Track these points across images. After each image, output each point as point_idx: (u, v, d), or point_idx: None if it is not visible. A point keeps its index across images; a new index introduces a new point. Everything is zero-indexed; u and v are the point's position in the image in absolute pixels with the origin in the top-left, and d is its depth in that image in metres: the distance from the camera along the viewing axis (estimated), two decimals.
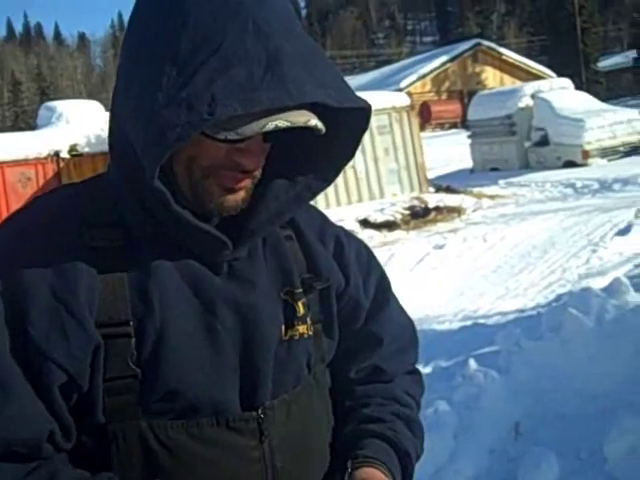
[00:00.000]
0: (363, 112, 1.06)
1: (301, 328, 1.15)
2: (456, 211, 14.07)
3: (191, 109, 0.92)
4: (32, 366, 0.97)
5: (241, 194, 1.06)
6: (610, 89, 41.19)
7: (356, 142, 1.11)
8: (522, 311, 6.65)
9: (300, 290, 1.17)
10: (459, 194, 15.40)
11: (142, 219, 1.06)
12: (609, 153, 18.59)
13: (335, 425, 1.25)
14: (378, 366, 1.30)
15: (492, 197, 15.44)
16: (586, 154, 18.24)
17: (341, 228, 1.33)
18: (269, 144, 1.05)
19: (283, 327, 1.14)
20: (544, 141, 19.38)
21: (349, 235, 1.33)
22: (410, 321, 1.38)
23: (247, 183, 1.05)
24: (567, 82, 21.74)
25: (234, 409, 1.07)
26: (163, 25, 0.99)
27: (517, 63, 44.52)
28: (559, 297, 6.38)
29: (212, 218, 1.07)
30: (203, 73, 0.94)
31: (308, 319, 1.17)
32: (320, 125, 1.02)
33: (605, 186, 14.39)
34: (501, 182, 17.33)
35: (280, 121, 0.97)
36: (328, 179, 1.14)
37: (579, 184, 15.09)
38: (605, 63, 46.15)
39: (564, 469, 3.51)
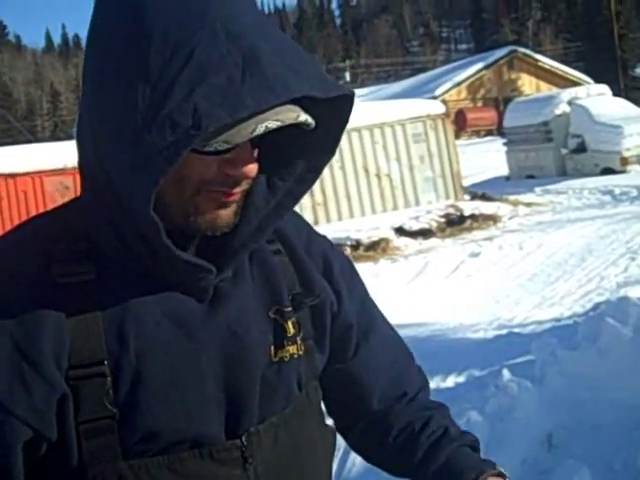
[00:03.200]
0: (345, 103, 1.00)
1: (291, 349, 1.11)
2: (492, 219, 13.94)
3: (175, 127, 0.86)
4: None
5: (233, 208, 1.00)
6: None
7: (336, 137, 1.04)
8: (558, 320, 6.56)
9: (289, 309, 1.12)
10: (495, 202, 15.27)
11: (116, 249, 1.00)
12: None
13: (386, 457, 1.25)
14: (396, 393, 1.28)
15: (528, 205, 15.28)
16: (624, 161, 17.98)
17: (326, 240, 1.27)
18: (256, 148, 0.98)
19: (272, 348, 1.09)
20: (581, 148, 19.14)
21: (334, 248, 1.27)
22: (395, 331, 1.33)
23: (239, 196, 1.00)
24: (604, 88, 21.48)
25: (217, 439, 1.03)
26: (127, 40, 0.91)
27: (553, 70, 44.16)
28: (596, 306, 6.27)
29: (194, 238, 1.01)
30: (179, 86, 0.87)
31: (298, 338, 1.12)
32: (310, 119, 0.97)
33: None
34: (537, 189, 17.14)
35: (270, 122, 0.91)
36: (309, 181, 1.07)
37: (617, 191, 14.89)
38: None
39: None
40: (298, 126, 0.97)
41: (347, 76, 43.84)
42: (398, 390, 1.28)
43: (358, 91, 23.15)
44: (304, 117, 0.95)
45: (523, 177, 20.31)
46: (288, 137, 1.01)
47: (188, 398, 1.00)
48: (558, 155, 19.73)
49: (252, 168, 0.97)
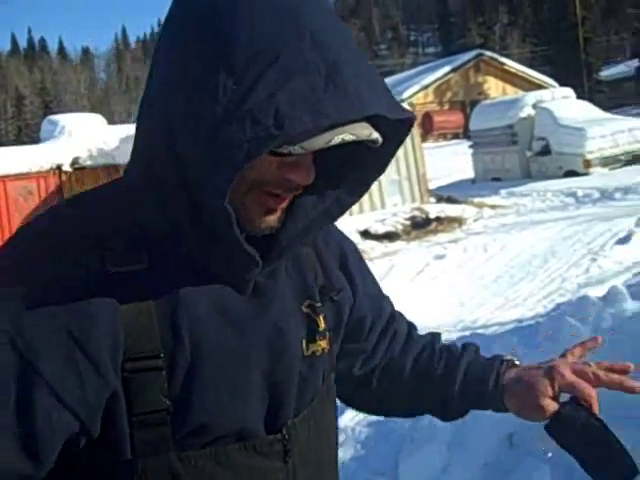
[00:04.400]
0: (404, 124, 1.01)
1: (322, 343, 1.14)
2: (457, 221, 14.07)
3: (256, 124, 0.86)
4: (40, 408, 0.90)
5: (278, 214, 1.01)
6: (612, 98, 41.15)
7: (391, 155, 1.06)
8: (520, 321, 6.63)
9: (319, 303, 1.15)
10: (460, 204, 15.41)
11: (165, 236, 0.99)
12: (611, 162, 18.56)
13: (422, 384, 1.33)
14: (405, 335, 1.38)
15: (493, 207, 15.43)
16: (587, 163, 18.22)
17: (338, 230, 1.30)
18: (313, 157, 0.99)
19: (304, 342, 1.11)
20: (546, 150, 19.37)
21: (346, 239, 1.31)
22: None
23: (286, 203, 1.01)
24: (569, 91, 21.75)
25: (258, 433, 1.05)
26: (214, 34, 0.91)
27: (519, 73, 44.58)
28: (557, 306, 6.36)
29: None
30: (263, 85, 0.87)
31: (327, 333, 1.15)
32: (380, 138, 0.98)
33: (606, 195, 14.38)
34: (502, 192, 17.31)
35: (346, 134, 0.93)
36: (358, 193, 1.09)
37: (580, 193, 15.08)
38: (608, 72, 46.22)
39: (556, 479, 3.50)
40: (360, 142, 0.98)
41: None
42: (393, 328, 1.36)
43: None
44: (375, 135, 0.97)
45: (489, 180, 20.50)
46: (344, 149, 1.02)
47: (236, 393, 1.02)
48: (523, 158, 19.95)
49: (310, 175, 0.98)
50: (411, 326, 1.40)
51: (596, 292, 5.80)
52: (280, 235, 1.04)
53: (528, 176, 19.51)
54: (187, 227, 0.98)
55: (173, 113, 0.93)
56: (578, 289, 7.59)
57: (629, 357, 4.25)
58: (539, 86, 36.73)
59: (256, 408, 1.05)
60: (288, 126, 0.86)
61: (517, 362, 1.32)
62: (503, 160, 20.49)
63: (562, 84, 29.95)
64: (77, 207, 1.04)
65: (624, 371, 1.25)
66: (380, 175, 1.08)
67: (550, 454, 3.58)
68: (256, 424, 1.05)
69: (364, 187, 1.09)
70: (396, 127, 1.01)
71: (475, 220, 14.13)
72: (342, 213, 1.09)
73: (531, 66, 48.66)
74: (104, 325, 0.93)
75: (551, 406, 1.22)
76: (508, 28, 79.43)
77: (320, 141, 0.91)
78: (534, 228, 12.00)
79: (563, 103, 20.29)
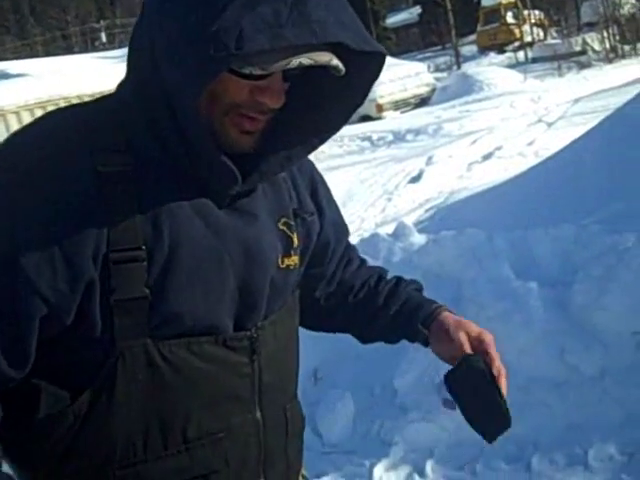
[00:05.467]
0: (376, 58, 1.08)
1: (295, 259, 1.25)
2: None
3: (219, 44, 0.94)
4: (15, 292, 0.98)
5: (255, 136, 1.09)
6: (399, 44, 42.75)
7: (367, 88, 1.14)
8: None
9: (293, 222, 1.25)
10: None
11: (152, 146, 1.07)
12: (401, 105, 19.41)
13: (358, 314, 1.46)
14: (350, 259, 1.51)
15: None
16: (380, 107, 18.90)
17: (310, 162, 1.37)
18: (287, 84, 1.08)
19: (280, 256, 1.21)
20: None
21: (315, 168, 1.40)
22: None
23: (262, 125, 1.09)
24: None
25: (229, 330, 1.13)
26: None
27: None
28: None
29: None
30: (232, 8, 0.95)
31: (299, 250, 1.26)
32: (341, 66, 1.05)
33: (399, 137, 14.97)
34: None
35: (304, 58, 1.00)
36: (337, 126, 1.17)
37: (375, 137, 15.59)
38: (393, 20, 47.79)
39: (359, 406, 3.70)
40: (328, 73, 1.07)
41: (103, 37, 42.31)
42: (347, 256, 1.49)
43: (116, 52, 22.42)
44: (336, 62, 1.04)
45: None
46: (320, 85, 1.12)
47: (209, 290, 1.11)
48: None
49: (280, 98, 1.07)
50: (363, 259, 1.54)
51: (387, 229, 6.10)
52: (261, 160, 1.14)
53: None
54: (175, 144, 1.06)
55: (155, 35, 1.03)
56: (375, 228, 7.92)
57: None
58: None
59: (229, 307, 1.14)
60: (247, 48, 0.94)
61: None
62: None
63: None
64: (69, 117, 1.11)
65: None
66: (357, 109, 1.16)
67: (350, 385, 3.77)
68: (227, 322, 1.14)
69: (343, 120, 1.17)
70: (370, 61, 1.09)
71: None
72: (320, 144, 1.18)
73: None
74: (87, 221, 1.01)
75: (464, 344, 1.34)
76: None
77: (279, 63, 0.99)
78: (333, 173, 12.31)
79: None
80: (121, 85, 1.13)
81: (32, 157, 1.03)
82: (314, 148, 1.18)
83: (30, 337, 1.01)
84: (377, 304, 1.46)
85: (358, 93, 1.15)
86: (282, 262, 1.22)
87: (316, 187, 1.36)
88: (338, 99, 1.15)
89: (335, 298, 1.47)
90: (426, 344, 1.41)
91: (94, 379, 1.05)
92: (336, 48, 1.03)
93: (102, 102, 1.14)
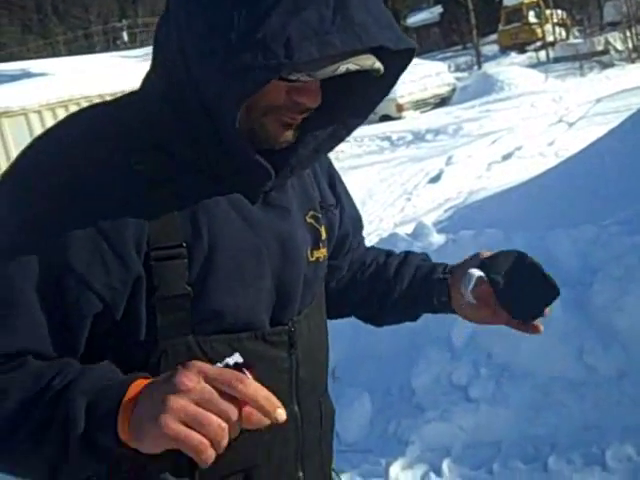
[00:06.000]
0: (407, 53, 1.08)
1: (323, 251, 1.26)
2: None
3: (268, 52, 0.93)
4: (68, 292, 0.99)
5: (292, 130, 1.09)
6: (420, 44, 42.61)
7: (394, 81, 1.14)
8: None
9: (321, 215, 1.27)
10: None
11: (185, 145, 1.07)
12: (421, 105, 19.34)
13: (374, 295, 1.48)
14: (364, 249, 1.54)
15: None
16: (400, 107, 18.86)
17: (327, 157, 1.38)
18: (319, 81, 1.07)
19: (310, 249, 1.22)
20: None
21: (332, 164, 1.41)
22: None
23: (300, 120, 1.09)
24: None
25: (262, 325, 1.14)
26: None
27: None
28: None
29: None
30: (275, 15, 0.93)
31: (326, 242, 1.28)
32: (382, 68, 1.06)
33: (419, 137, 14.95)
34: None
35: (350, 64, 1.00)
36: (363, 115, 1.17)
37: (395, 137, 15.58)
38: (414, 19, 47.66)
39: (376, 405, 3.71)
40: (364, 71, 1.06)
41: (125, 36, 42.57)
42: (357, 240, 1.51)
43: (137, 51, 22.50)
44: (378, 65, 1.05)
45: None
46: (348, 80, 1.10)
47: (248, 285, 1.11)
48: None
49: (317, 98, 1.07)
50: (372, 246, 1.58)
51: (406, 229, 6.10)
52: (290, 155, 1.13)
53: None
54: (209, 144, 1.05)
55: (184, 36, 1.00)
56: (394, 228, 7.92)
57: None
58: None
59: (265, 303, 1.14)
60: (297, 57, 0.93)
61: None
62: None
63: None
64: (102, 116, 1.10)
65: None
66: (382, 100, 1.16)
67: (368, 384, 3.78)
68: (264, 317, 1.15)
69: (369, 110, 1.17)
70: (397, 56, 1.08)
71: None
72: (348, 135, 1.18)
73: None
74: (130, 218, 1.01)
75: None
76: None
77: (327, 70, 0.99)
78: (353, 173, 12.32)
79: None
80: (147, 80, 1.12)
81: (73, 158, 1.03)
82: (341, 140, 1.18)
83: (80, 329, 1.03)
84: (388, 276, 1.47)
85: (385, 85, 1.14)
86: (312, 255, 1.23)
87: (334, 181, 1.38)
88: (365, 91, 1.15)
89: (346, 278, 1.49)
90: (446, 307, 1.42)
91: None
92: (375, 49, 1.03)
93: (129, 100, 1.13)
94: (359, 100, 1.16)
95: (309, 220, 1.24)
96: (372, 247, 1.57)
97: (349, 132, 1.18)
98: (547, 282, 1.29)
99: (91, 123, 1.09)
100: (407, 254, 1.51)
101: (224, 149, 1.06)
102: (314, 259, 1.24)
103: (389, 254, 1.53)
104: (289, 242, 1.17)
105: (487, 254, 1.37)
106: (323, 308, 1.33)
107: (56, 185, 1.01)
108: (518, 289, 1.29)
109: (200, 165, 1.08)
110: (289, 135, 1.10)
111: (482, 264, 1.34)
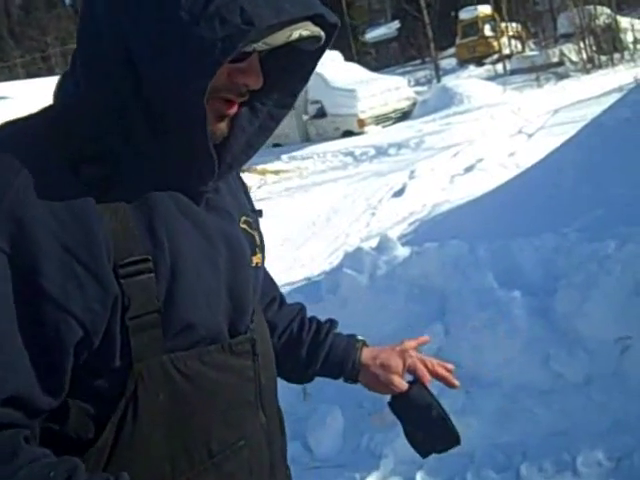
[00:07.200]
0: (332, 28, 1.07)
1: (259, 256, 1.23)
2: None
3: (225, 22, 0.91)
4: (47, 322, 0.92)
5: (226, 122, 1.06)
6: (378, 59, 43.00)
7: (313, 65, 1.12)
8: (308, 279, 6.85)
9: (252, 220, 1.23)
10: (242, 172, 15.47)
11: (124, 149, 1.00)
12: (382, 120, 19.47)
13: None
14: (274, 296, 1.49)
15: (276, 172, 15.71)
16: (361, 123, 18.98)
17: None
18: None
19: (248, 254, 1.18)
20: (321, 113, 19.94)
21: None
22: None
23: (235, 109, 1.05)
24: (336, 55, 22.42)
25: (225, 336, 1.11)
26: None
27: None
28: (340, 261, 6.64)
29: None
30: None
31: (260, 247, 1.25)
32: (323, 36, 1.05)
33: (381, 152, 15.05)
34: (284, 157, 17.61)
35: (303, 30, 0.99)
36: (287, 105, 1.16)
37: (358, 152, 15.66)
38: (372, 35, 48.05)
39: (348, 420, 3.71)
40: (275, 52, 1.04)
41: None
42: (272, 293, 1.48)
43: None
44: (322, 33, 1.04)
45: (270, 146, 20.75)
46: (268, 67, 1.07)
47: (209, 294, 1.07)
48: (300, 122, 20.38)
49: (259, 78, 1.04)
50: (282, 295, 1.51)
51: (371, 243, 6.13)
52: (225, 152, 1.09)
53: (307, 139, 20.01)
54: (146, 137, 1.00)
55: (127, 26, 0.95)
56: (360, 243, 7.94)
57: (402, 298, 4.54)
58: None
59: (223, 312, 1.11)
60: (257, 22, 0.92)
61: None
62: (281, 125, 20.39)
63: (330, 48, 30.74)
64: (37, 127, 1.02)
65: (448, 369, 1.51)
66: (305, 85, 1.16)
67: (339, 399, 3.78)
68: (224, 327, 1.12)
69: (292, 99, 1.16)
70: (316, 42, 1.07)
71: (259, 187, 14.31)
72: (276, 126, 1.16)
73: None
74: (96, 235, 0.95)
75: (401, 385, 1.44)
76: None
77: (281, 37, 0.98)
78: (316, 189, 12.38)
79: (332, 66, 20.87)
80: (70, 97, 1.05)
81: (14, 177, 0.93)
82: (271, 131, 1.16)
83: (65, 364, 0.96)
84: (301, 355, 1.45)
85: (302, 70, 1.13)
86: (251, 261, 1.19)
87: (246, 187, 1.35)
88: (285, 83, 1.14)
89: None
90: (355, 381, 1.50)
91: (115, 410, 1.00)
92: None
93: (51, 115, 1.05)
94: (283, 87, 1.14)
95: (242, 225, 1.19)
96: (283, 304, 1.50)
97: (277, 123, 1.16)
98: (450, 432, 1.42)
99: (26, 140, 0.99)
100: (318, 329, 1.47)
101: (167, 143, 1.01)
102: (254, 264, 1.20)
103: (302, 323, 1.47)
104: (237, 246, 1.14)
105: (409, 346, 1.48)
106: (262, 312, 1.32)
107: (12, 205, 0.92)
108: (423, 432, 1.44)
109: (142, 171, 1.02)
110: (223, 127, 1.06)
111: (393, 399, 1.46)
